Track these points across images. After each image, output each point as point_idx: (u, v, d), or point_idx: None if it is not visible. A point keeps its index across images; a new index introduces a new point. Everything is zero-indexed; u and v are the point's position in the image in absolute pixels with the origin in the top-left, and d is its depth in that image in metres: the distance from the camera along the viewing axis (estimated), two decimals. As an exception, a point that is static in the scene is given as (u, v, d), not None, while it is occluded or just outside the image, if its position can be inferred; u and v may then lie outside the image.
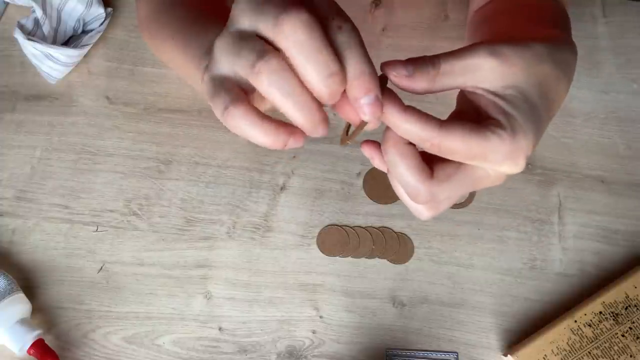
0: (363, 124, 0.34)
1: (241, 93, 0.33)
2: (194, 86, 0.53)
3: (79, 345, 0.54)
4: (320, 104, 0.33)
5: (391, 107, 0.34)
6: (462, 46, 0.37)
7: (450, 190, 0.36)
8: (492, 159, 0.35)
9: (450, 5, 0.68)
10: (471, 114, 0.37)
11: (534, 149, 0.36)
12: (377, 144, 0.38)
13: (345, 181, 0.60)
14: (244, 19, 0.33)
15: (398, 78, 0.35)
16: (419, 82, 0.35)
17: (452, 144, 0.34)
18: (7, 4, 0.68)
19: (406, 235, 0.58)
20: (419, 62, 0.35)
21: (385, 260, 0.57)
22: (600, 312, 0.53)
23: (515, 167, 0.36)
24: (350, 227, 0.58)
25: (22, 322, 0.51)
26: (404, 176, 0.35)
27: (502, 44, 0.35)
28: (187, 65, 0.48)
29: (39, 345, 0.51)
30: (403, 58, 0.37)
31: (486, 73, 0.35)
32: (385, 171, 0.38)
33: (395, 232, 0.58)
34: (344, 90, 0.33)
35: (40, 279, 0.56)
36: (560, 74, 0.38)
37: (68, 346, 0.54)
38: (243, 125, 0.33)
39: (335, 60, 0.31)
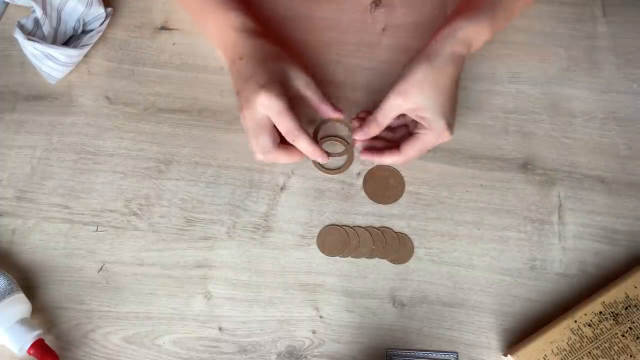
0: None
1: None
2: (203, 33, 0.65)
3: (79, 345, 0.54)
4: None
5: (379, 159, 0.59)
6: None
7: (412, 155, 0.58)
8: (432, 145, 0.57)
9: (450, 5, 0.68)
10: (411, 123, 0.60)
11: (453, 120, 0.56)
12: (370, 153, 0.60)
13: (345, 181, 0.60)
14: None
15: (359, 137, 0.58)
16: (371, 131, 0.58)
17: (412, 158, 0.58)
18: (7, 4, 0.68)
19: (406, 235, 0.58)
20: (365, 123, 0.58)
21: (385, 260, 0.57)
22: (600, 312, 0.53)
23: (446, 139, 0.56)
24: (350, 227, 0.58)
25: (22, 322, 0.51)
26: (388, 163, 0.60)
27: (401, 81, 0.55)
28: (210, 23, 0.61)
29: (39, 345, 0.51)
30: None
31: (400, 105, 0.56)
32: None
33: (395, 232, 0.58)
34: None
35: (40, 279, 0.56)
36: (455, 59, 0.55)
37: (68, 346, 0.54)
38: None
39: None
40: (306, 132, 0.55)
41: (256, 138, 0.55)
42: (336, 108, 0.59)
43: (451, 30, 0.56)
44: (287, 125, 0.54)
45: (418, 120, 0.56)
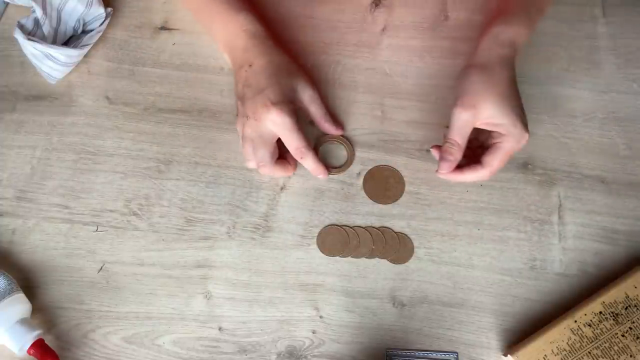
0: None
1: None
2: (208, 33, 0.64)
3: (79, 345, 0.54)
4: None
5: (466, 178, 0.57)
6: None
7: (497, 166, 0.56)
8: (514, 151, 0.55)
9: (450, 5, 0.68)
10: (486, 133, 0.57)
11: (526, 119, 0.54)
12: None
13: (345, 181, 0.60)
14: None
15: (446, 170, 0.55)
16: (455, 157, 0.55)
17: (497, 169, 0.56)
18: (7, 4, 0.68)
19: (406, 235, 0.58)
20: (445, 152, 0.55)
21: (385, 260, 0.57)
22: (600, 312, 0.53)
23: (525, 140, 0.54)
24: (350, 227, 0.58)
25: (22, 322, 0.51)
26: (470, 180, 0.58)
27: (462, 95, 0.54)
28: (216, 27, 0.61)
29: (39, 345, 0.51)
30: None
31: (471, 120, 0.54)
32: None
33: (395, 232, 0.58)
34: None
35: (40, 279, 0.56)
36: (510, 62, 0.55)
37: (68, 346, 0.54)
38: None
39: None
40: (313, 149, 0.57)
41: (255, 149, 0.56)
42: (337, 125, 0.61)
43: (492, 36, 0.56)
44: (296, 143, 0.55)
45: (491, 129, 0.55)
